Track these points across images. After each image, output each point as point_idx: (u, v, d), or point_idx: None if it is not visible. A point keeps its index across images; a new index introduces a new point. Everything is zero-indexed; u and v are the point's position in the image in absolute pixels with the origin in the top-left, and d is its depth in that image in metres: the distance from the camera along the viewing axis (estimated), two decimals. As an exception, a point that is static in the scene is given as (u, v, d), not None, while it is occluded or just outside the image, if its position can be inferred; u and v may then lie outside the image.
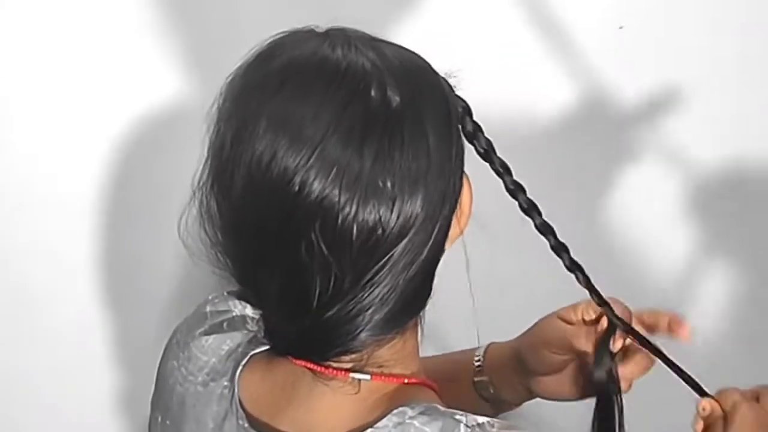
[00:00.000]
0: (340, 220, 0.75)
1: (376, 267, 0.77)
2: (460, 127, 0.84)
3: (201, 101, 1.38)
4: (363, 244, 0.76)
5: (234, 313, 0.95)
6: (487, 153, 0.87)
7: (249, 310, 0.94)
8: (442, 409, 0.82)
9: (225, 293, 0.96)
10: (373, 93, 0.77)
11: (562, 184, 1.47)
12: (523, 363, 1.05)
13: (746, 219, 1.50)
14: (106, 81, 1.40)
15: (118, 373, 1.53)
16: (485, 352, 1.10)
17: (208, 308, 0.96)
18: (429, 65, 0.83)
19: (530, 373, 1.05)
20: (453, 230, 0.83)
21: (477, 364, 1.10)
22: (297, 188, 0.75)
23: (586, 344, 1.00)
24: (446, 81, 0.84)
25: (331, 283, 0.77)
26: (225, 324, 0.94)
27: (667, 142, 1.47)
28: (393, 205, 0.76)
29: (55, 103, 1.41)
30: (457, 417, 0.81)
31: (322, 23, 0.82)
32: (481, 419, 0.81)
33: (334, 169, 0.75)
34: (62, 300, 1.48)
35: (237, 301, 0.95)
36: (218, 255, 0.83)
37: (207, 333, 0.94)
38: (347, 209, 0.75)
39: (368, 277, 0.77)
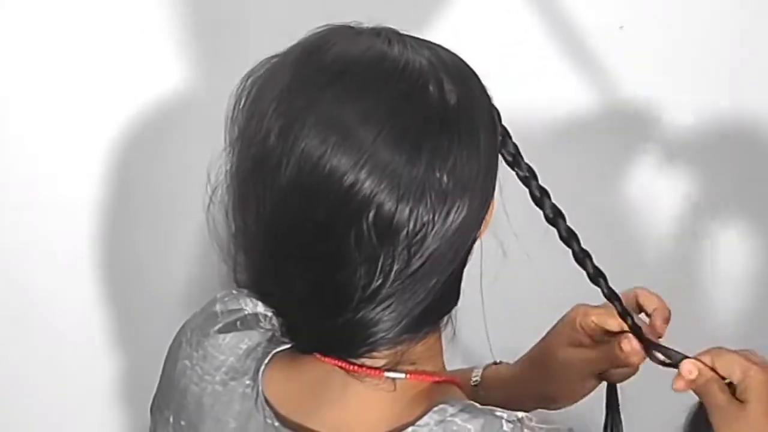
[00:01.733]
0: (395, 214, 0.75)
1: (420, 262, 0.77)
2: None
3: (203, 101, 1.40)
4: (412, 237, 0.76)
5: (246, 312, 0.94)
6: (515, 160, 0.87)
7: (261, 308, 0.93)
8: (480, 406, 0.82)
9: (234, 291, 0.95)
10: (431, 89, 0.77)
11: (560, 183, 1.47)
12: (547, 397, 1.06)
13: (749, 214, 1.51)
14: (106, 80, 1.39)
15: (119, 375, 1.52)
16: (482, 377, 1.10)
17: (218, 306, 0.95)
18: (473, 69, 0.83)
19: (555, 403, 1.06)
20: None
21: (474, 384, 1.10)
22: (351, 182, 0.75)
23: (610, 362, 1.00)
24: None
25: (375, 276, 0.76)
26: (238, 323, 0.93)
27: (667, 142, 1.47)
28: (446, 202, 0.77)
29: (56, 102, 1.40)
30: (498, 413, 0.81)
31: (331, 22, 0.82)
32: (520, 414, 0.81)
33: (390, 166, 0.75)
34: (62, 300, 1.48)
35: (247, 299, 0.94)
36: (238, 249, 0.82)
37: (222, 331, 0.93)
38: (402, 204, 0.75)
39: (410, 272, 0.77)
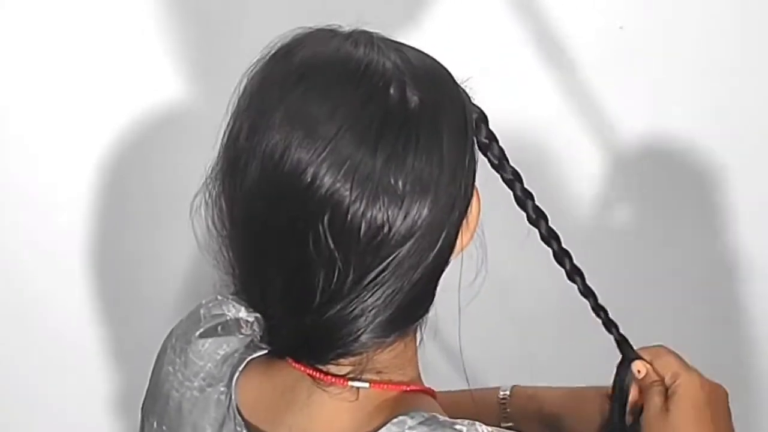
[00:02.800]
0: (348, 215, 0.75)
1: (381, 267, 0.77)
2: (474, 136, 0.84)
3: (201, 102, 1.40)
4: (369, 241, 0.76)
5: (228, 317, 0.94)
6: (500, 162, 0.87)
7: (243, 313, 0.94)
8: (442, 418, 0.81)
9: (218, 297, 0.95)
10: (392, 92, 0.77)
11: (557, 183, 1.47)
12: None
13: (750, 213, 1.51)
14: (105, 82, 1.40)
15: (117, 375, 1.53)
16: (510, 399, 1.10)
17: (202, 311, 0.96)
18: (449, 73, 0.83)
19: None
20: (458, 242, 0.82)
21: (502, 400, 1.10)
22: (308, 181, 0.75)
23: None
24: (464, 90, 0.84)
25: (335, 279, 0.77)
26: (219, 327, 0.94)
27: (666, 142, 1.47)
28: (401, 205, 0.76)
29: (55, 103, 1.40)
30: (457, 427, 0.80)
31: (325, 24, 0.83)
32: (482, 428, 0.81)
33: (346, 165, 0.75)
34: (61, 300, 1.48)
35: (231, 305, 0.95)
36: (222, 249, 0.82)
37: (203, 336, 0.93)
38: (356, 205, 0.75)
39: (372, 276, 0.77)
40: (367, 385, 0.83)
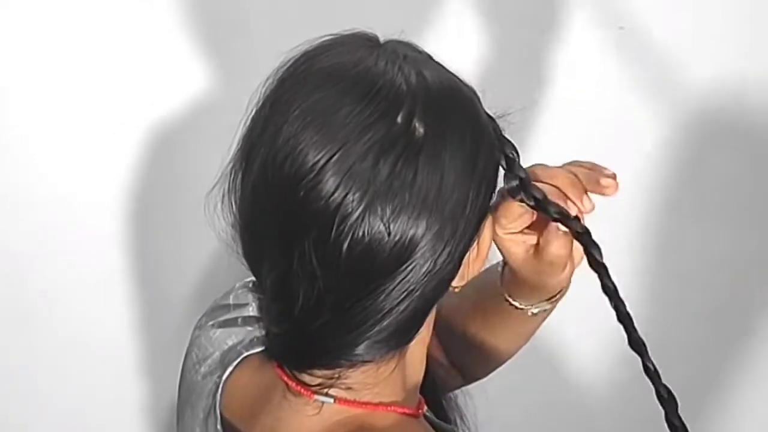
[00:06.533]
0: (334, 237, 0.74)
1: (364, 294, 0.76)
2: (508, 173, 0.81)
3: (221, 100, 1.41)
4: (352, 266, 0.75)
5: (250, 310, 0.94)
6: (538, 202, 0.83)
7: None
8: None
9: (251, 284, 0.94)
10: (399, 120, 0.75)
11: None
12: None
13: (745, 212, 1.52)
14: (122, 82, 1.41)
15: (133, 377, 1.54)
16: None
17: (231, 299, 0.96)
18: (474, 101, 0.80)
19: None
20: (464, 270, 0.80)
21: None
22: (301, 194, 0.75)
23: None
24: (494, 122, 0.81)
25: (313, 298, 0.76)
26: (240, 320, 0.94)
27: (666, 142, 1.49)
28: (388, 236, 0.74)
29: (74, 103, 1.41)
30: None
31: (338, 28, 0.83)
32: None
33: (340, 187, 0.74)
34: (81, 302, 1.49)
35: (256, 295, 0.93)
36: (235, 238, 0.82)
37: (222, 325, 0.94)
38: (342, 228, 0.74)
39: (353, 302, 0.76)
40: (331, 400, 0.82)
